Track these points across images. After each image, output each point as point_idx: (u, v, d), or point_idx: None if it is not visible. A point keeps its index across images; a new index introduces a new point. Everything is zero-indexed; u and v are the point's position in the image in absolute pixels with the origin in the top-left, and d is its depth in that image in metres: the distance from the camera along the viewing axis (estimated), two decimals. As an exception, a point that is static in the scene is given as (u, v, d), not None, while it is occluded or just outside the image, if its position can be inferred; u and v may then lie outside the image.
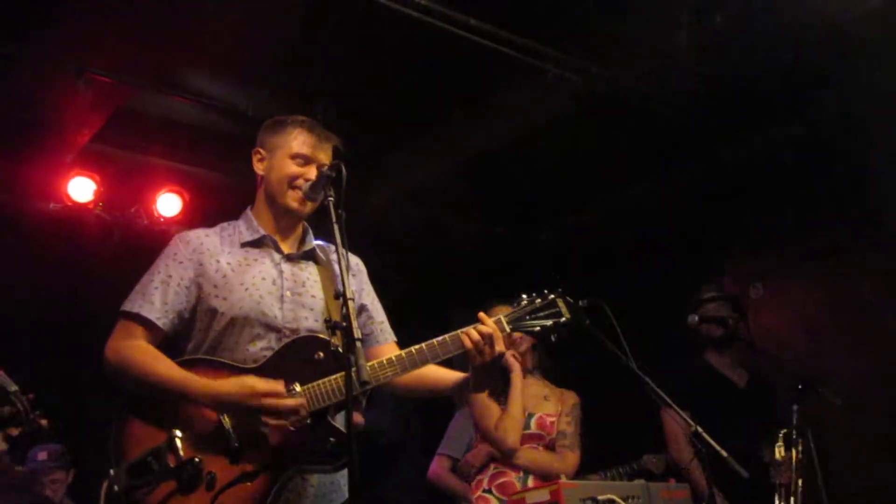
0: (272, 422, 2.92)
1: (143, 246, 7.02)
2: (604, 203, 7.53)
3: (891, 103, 5.42)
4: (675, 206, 7.17)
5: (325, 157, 3.31)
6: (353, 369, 2.56)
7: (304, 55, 5.83)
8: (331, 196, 2.93)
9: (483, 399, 4.62)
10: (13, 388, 4.27)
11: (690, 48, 5.55)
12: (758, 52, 5.57)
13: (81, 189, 6.61)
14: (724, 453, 3.72)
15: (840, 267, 6.61)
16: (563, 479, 4.16)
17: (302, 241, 3.39)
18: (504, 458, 4.62)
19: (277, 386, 2.95)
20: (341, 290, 2.70)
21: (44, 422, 5.83)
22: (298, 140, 3.29)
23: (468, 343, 3.05)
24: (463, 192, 7.51)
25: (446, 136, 6.87)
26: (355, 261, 3.50)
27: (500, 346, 3.08)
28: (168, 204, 6.98)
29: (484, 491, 4.61)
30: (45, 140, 6.29)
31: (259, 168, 3.37)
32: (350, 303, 2.66)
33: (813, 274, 6.80)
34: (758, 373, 5.75)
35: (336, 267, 3.26)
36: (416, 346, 3.13)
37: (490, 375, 3.17)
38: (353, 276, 3.43)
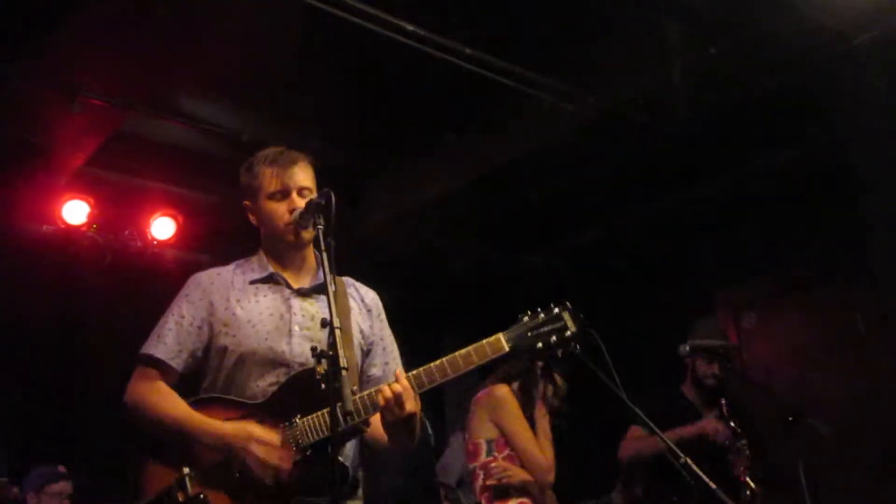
0: (263, 465, 2.97)
1: (137, 269, 7.03)
2: (595, 231, 7.55)
3: (883, 131, 5.45)
4: (666, 234, 7.19)
5: (300, 177, 3.29)
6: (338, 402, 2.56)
7: (300, 80, 5.86)
8: (320, 224, 2.93)
9: (522, 420, 4.54)
10: None
11: (684, 78, 5.59)
12: (750, 82, 5.61)
13: (75, 212, 6.61)
14: (713, 485, 3.71)
15: (832, 297, 6.62)
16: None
17: (315, 274, 3.38)
18: (540, 489, 4.50)
19: (272, 434, 3.00)
20: (333, 320, 2.69)
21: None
22: (267, 177, 3.28)
23: (381, 400, 2.98)
24: (457, 216, 7.52)
25: (440, 162, 6.90)
26: (372, 296, 3.47)
27: (410, 406, 2.97)
28: (162, 227, 6.98)
29: None
30: (39, 163, 6.29)
31: (253, 220, 3.40)
32: (337, 331, 2.65)
33: (805, 304, 6.81)
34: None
35: (351, 301, 3.32)
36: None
37: (402, 433, 3.08)
38: (369, 311, 3.42)
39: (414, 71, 5.62)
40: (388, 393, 2.96)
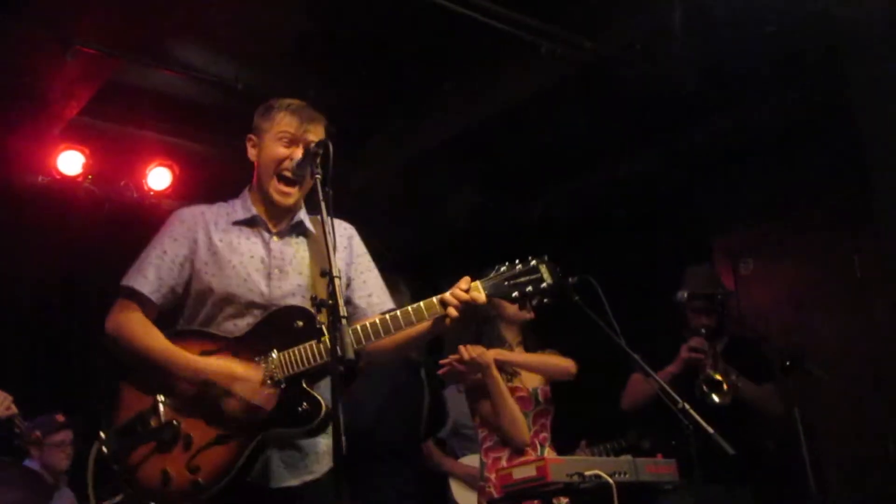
0: (244, 403, 3.07)
1: (134, 219, 7.00)
2: (593, 178, 7.53)
3: (885, 76, 5.40)
4: (664, 180, 7.17)
5: (313, 136, 3.30)
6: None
7: (295, 28, 5.80)
8: (318, 173, 2.95)
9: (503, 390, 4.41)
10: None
11: (684, 23, 5.53)
12: (750, 26, 5.55)
13: (70, 162, 6.58)
14: (710, 430, 3.74)
15: (829, 242, 6.62)
16: (549, 456, 4.19)
17: (292, 217, 3.42)
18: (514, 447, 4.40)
19: (255, 374, 3.08)
20: (333, 270, 2.71)
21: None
22: (285, 121, 3.31)
23: (452, 301, 3.10)
24: (454, 165, 7.49)
25: (438, 110, 6.86)
26: (347, 230, 3.51)
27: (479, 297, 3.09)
28: (158, 177, 6.94)
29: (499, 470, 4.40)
30: (33, 113, 6.25)
31: (252, 154, 3.42)
32: (336, 280, 2.68)
33: (802, 249, 6.81)
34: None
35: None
36: (391, 313, 3.16)
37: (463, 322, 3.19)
38: (344, 247, 3.44)
39: (411, 18, 5.57)
40: (464, 296, 3.10)
